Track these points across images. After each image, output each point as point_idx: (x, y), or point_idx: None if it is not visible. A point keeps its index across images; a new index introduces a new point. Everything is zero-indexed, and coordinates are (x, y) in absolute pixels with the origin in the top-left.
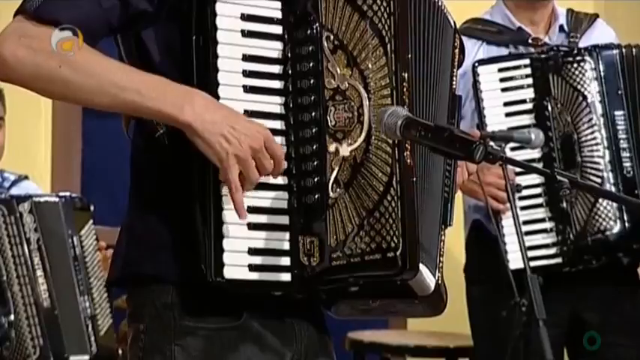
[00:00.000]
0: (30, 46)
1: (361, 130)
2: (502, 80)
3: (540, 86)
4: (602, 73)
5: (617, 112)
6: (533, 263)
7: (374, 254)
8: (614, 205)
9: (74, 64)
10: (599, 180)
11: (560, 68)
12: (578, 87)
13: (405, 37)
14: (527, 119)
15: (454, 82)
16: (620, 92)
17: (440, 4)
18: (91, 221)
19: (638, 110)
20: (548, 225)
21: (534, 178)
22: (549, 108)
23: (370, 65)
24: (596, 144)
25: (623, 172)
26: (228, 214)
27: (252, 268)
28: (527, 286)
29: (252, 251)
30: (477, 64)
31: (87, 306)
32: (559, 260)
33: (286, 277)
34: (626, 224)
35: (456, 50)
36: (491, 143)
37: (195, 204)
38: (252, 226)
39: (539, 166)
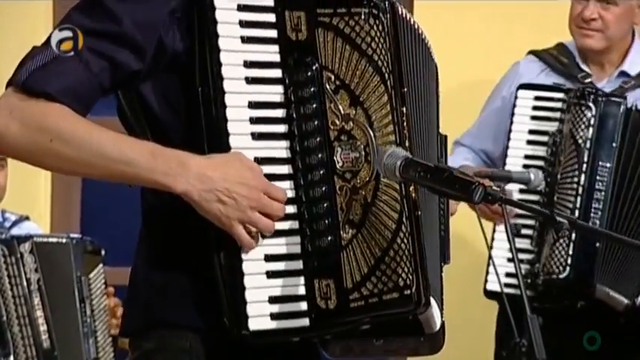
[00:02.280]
0: (21, 121)
1: (369, 169)
2: (534, 108)
3: (562, 122)
4: (599, 122)
5: (603, 163)
6: (507, 290)
7: (391, 293)
8: (570, 250)
9: (64, 137)
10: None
11: (570, 108)
12: (573, 130)
13: (400, 71)
14: (542, 151)
15: (439, 121)
16: (614, 145)
17: (424, 37)
18: (101, 265)
19: (628, 166)
20: (528, 256)
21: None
22: (557, 145)
23: (373, 103)
24: (571, 188)
25: (589, 223)
26: (247, 265)
27: (274, 316)
28: (526, 327)
29: (272, 300)
30: (520, 88)
31: (90, 348)
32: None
33: (305, 322)
34: (576, 272)
35: (439, 89)
36: (491, 183)
37: (213, 257)
38: (271, 275)
39: (537, 198)
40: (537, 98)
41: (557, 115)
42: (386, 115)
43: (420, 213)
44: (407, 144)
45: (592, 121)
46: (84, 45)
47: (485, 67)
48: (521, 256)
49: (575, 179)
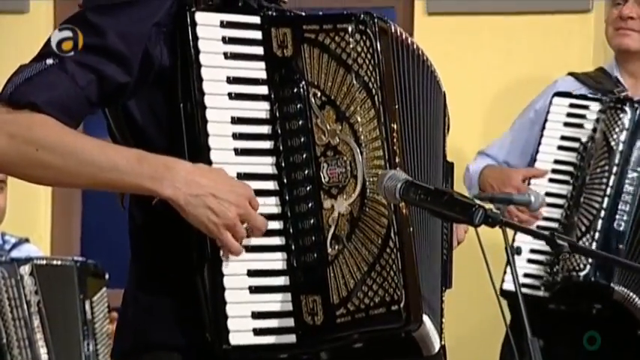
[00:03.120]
0: (8, 133)
1: (355, 184)
2: (568, 115)
3: (595, 131)
4: (635, 127)
5: (633, 168)
6: (523, 290)
7: (378, 308)
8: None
9: (50, 146)
10: (588, 223)
11: (603, 113)
12: (607, 134)
13: (391, 88)
14: (572, 157)
15: (446, 148)
16: None
17: (425, 60)
18: (105, 289)
19: None
20: (547, 257)
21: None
22: (588, 151)
23: (360, 119)
24: (599, 189)
25: (613, 225)
26: (229, 280)
27: (257, 332)
28: (526, 349)
29: (256, 315)
30: (555, 95)
31: None
32: (542, 293)
33: (291, 338)
34: (595, 271)
35: (446, 118)
36: (491, 206)
37: (195, 271)
38: (254, 290)
39: (563, 202)
40: (572, 105)
41: (591, 123)
42: (373, 130)
43: (411, 229)
44: (397, 160)
45: (627, 125)
46: (70, 60)
47: (484, 88)
48: (541, 257)
49: (605, 180)
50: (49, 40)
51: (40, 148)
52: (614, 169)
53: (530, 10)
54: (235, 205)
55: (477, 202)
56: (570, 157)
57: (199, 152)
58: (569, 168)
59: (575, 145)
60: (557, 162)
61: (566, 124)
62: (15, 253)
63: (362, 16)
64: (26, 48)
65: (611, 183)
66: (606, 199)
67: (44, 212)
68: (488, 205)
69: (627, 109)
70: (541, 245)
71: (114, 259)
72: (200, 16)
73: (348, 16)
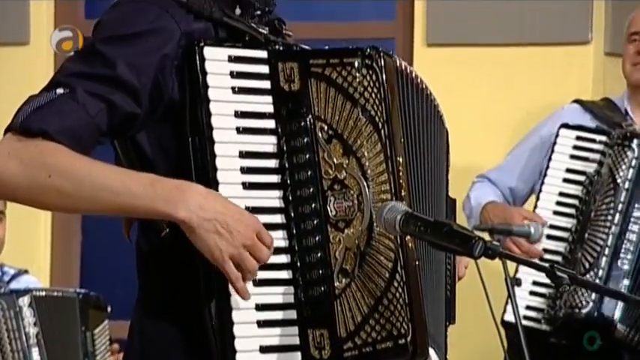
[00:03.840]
0: (20, 159)
1: (362, 217)
2: (575, 148)
3: (602, 165)
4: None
5: (637, 205)
6: (524, 322)
7: (385, 342)
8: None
9: (63, 172)
10: (592, 260)
11: (611, 148)
12: (613, 170)
13: (396, 121)
14: (577, 191)
15: (448, 184)
16: None
17: (429, 93)
18: (107, 321)
19: None
20: (549, 290)
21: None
22: (595, 185)
23: (366, 152)
24: (604, 226)
25: (617, 263)
26: (237, 314)
27: None
28: None
29: (264, 349)
30: (562, 127)
31: None
32: (543, 327)
33: None
34: (598, 309)
35: (449, 155)
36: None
37: (204, 306)
38: (262, 324)
39: (567, 236)
40: (579, 138)
41: (597, 156)
42: (380, 164)
43: (417, 263)
44: (402, 193)
45: (633, 163)
46: (81, 88)
47: (484, 119)
48: (542, 290)
49: (610, 218)
50: (59, 70)
51: (52, 174)
52: (620, 206)
53: (530, 42)
54: (243, 235)
55: (477, 233)
56: (576, 190)
57: (207, 186)
58: (574, 201)
59: (581, 178)
60: (562, 194)
61: (573, 157)
62: (14, 285)
63: (368, 50)
64: (27, 79)
65: (616, 221)
66: (611, 237)
67: (43, 243)
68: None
69: (635, 146)
70: (543, 277)
71: (113, 291)
72: (208, 51)
73: (355, 51)
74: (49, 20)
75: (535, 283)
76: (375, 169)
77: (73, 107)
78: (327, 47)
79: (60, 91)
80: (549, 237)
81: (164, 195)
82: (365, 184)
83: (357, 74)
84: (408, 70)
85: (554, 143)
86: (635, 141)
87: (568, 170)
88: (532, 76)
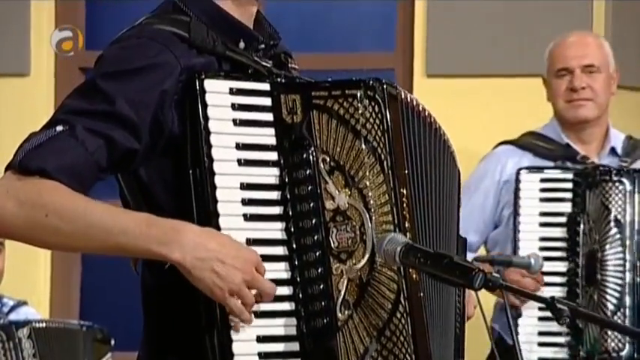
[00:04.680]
0: (17, 198)
1: (365, 249)
2: (542, 190)
3: (578, 202)
4: (637, 197)
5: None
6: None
7: None
8: (627, 325)
9: (60, 211)
10: (616, 301)
11: (597, 185)
12: (610, 206)
13: (400, 153)
14: (559, 232)
15: (459, 222)
16: None
17: (438, 127)
18: (110, 354)
19: None
20: (562, 339)
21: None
22: (582, 224)
23: (368, 184)
24: (619, 265)
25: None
26: (238, 346)
27: None
28: None
29: None
30: (521, 171)
31: None
32: None
33: None
34: (637, 348)
35: (460, 195)
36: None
37: (205, 336)
38: (263, 356)
39: (563, 280)
40: (544, 180)
41: (569, 195)
42: (382, 195)
43: (422, 294)
44: (406, 225)
45: (628, 196)
46: (80, 125)
47: (484, 150)
48: (554, 339)
49: (620, 255)
50: (59, 106)
51: (49, 213)
52: (627, 242)
53: (529, 73)
54: (241, 271)
55: (477, 265)
56: (556, 232)
57: (208, 218)
58: (560, 244)
59: (560, 219)
60: (543, 239)
61: (543, 200)
62: (13, 316)
63: (371, 82)
64: (27, 110)
65: (628, 257)
66: (628, 275)
67: (43, 274)
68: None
69: (625, 180)
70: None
71: (113, 322)
72: (209, 84)
73: (357, 82)
74: (50, 53)
75: (542, 333)
76: (378, 201)
77: (72, 144)
78: (329, 79)
79: (59, 128)
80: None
81: (159, 236)
82: (367, 215)
83: (360, 106)
84: (414, 103)
85: (517, 189)
86: (621, 173)
87: (543, 214)
88: (532, 107)
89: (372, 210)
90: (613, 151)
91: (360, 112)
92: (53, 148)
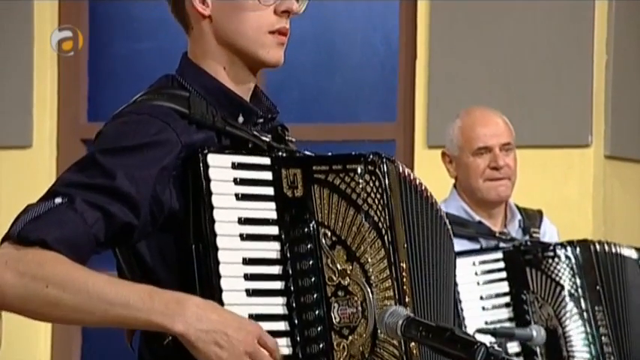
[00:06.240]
0: (17, 270)
1: (366, 324)
2: (477, 274)
3: (516, 279)
4: (581, 268)
5: (597, 307)
6: None
7: None
8: None
9: (60, 282)
10: None
11: (539, 262)
12: (560, 281)
13: (399, 227)
14: (505, 313)
15: (457, 293)
16: (598, 288)
17: (434, 202)
18: None
19: (614, 306)
20: None
21: None
22: (528, 302)
23: (370, 259)
24: (583, 338)
25: None
26: None
27: None
28: None
29: None
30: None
31: None
32: None
33: None
34: None
35: (456, 268)
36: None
37: None
38: None
39: None
40: (475, 264)
41: (503, 274)
42: (383, 270)
43: None
44: (407, 299)
45: (574, 269)
46: (79, 198)
47: None
48: None
49: (582, 329)
50: (57, 180)
51: (50, 284)
52: (585, 314)
53: (530, 144)
54: (244, 343)
55: (479, 338)
56: (501, 313)
57: (212, 293)
58: (509, 325)
59: (500, 300)
60: (489, 323)
61: (479, 283)
62: None
63: (371, 156)
64: (29, 182)
65: (588, 330)
66: (593, 348)
67: (44, 346)
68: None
69: (569, 253)
70: None
71: None
72: (212, 158)
73: (358, 157)
74: (52, 125)
75: None
76: (379, 275)
77: (71, 217)
78: (329, 153)
79: (58, 200)
80: None
81: (161, 308)
82: (369, 290)
83: (360, 180)
84: (411, 177)
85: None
86: (561, 246)
87: (484, 298)
88: (532, 179)
89: (374, 285)
90: (519, 223)
91: (360, 186)
92: (52, 220)
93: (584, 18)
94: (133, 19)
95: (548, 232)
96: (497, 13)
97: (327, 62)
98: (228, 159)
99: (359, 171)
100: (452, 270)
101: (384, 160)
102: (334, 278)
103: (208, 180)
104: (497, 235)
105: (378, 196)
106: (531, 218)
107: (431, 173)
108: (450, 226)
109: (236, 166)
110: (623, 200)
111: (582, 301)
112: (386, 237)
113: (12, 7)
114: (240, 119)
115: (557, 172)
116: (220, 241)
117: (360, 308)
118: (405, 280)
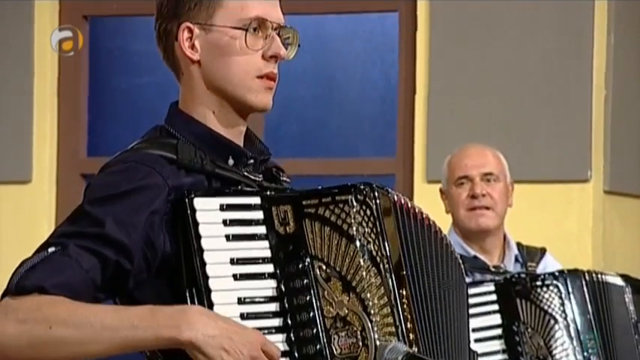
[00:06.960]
0: (17, 319)
1: (368, 353)
2: (475, 305)
3: (508, 311)
4: (572, 298)
5: (587, 335)
6: None
7: None
8: None
9: (63, 320)
10: None
11: (529, 292)
12: (550, 310)
13: (397, 254)
14: (497, 345)
15: (470, 334)
16: (588, 317)
17: (437, 230)
18: None
19: (605, 336)
20: None
21: None
22: (519, 333)
23: (366, 287)
24: None
25: None
26: None
27: None
28: None
29: None
30: None
31: None
32: None
33: None
34: None
35: (468, 296)
36: None
37: None
38: None
39: None
40: (475, 295)
41: (496, 307)
42: (381, 297)
43: None
44: (409, 326)
45: (565, 298)
46: (72, 245)
47: None
48: None
49: (572, 357)
50: (51, 235)
51: (53, 324)
52: (574, 342)
53: (530, 179)
54: (249, 348)
55: None
56: (493, 345)
57: None
58: (500, 356)
59: (492, 333)
60: (483, 355)
61: (472, 316)
62: None
63: (361, 186)
64: (29, 217)
65: (578, 357)
66: None
67: None
68: None
69: (559, 283)
70: None
71: None
72: (199, 202)
73: (347, 188)
74: (52, 160)
75: None
76: (378, 303)
77: (66, 263)
78: (319, 187)
79: (52, 249)
80: None
81: (166, 321)
82: (367, 319)
83: (351, 210)
84: (409, 205)
85: None
86: (552, 277)
87: (475, 330)
88: (532, 214)
89: (372, 313)
90: (516, 258)
91: (352, 216)
92: (48, 267)
93: (583, 53)
94: (133, 53)
95: (549, 269)
96: (497, 48)
97: (327, 96)
98: (216, 201)
99: (349, 201)
100: (464, 297)
101: (375, 188)
102: (332, 310)
103: (196, 223)
104: (490, 268)
105: (370, 224)
106: (531, 254)
107: (430, 208)
108: (457, 254)
109: (224, 208)
110: (622, 235)
111: (572, 330)
112: (381, 264)
113: (12, 8)
114: (231, 161)
115: (556, 207)
116: (213, 283)
117: (359, 337)
118: (405, 306)
